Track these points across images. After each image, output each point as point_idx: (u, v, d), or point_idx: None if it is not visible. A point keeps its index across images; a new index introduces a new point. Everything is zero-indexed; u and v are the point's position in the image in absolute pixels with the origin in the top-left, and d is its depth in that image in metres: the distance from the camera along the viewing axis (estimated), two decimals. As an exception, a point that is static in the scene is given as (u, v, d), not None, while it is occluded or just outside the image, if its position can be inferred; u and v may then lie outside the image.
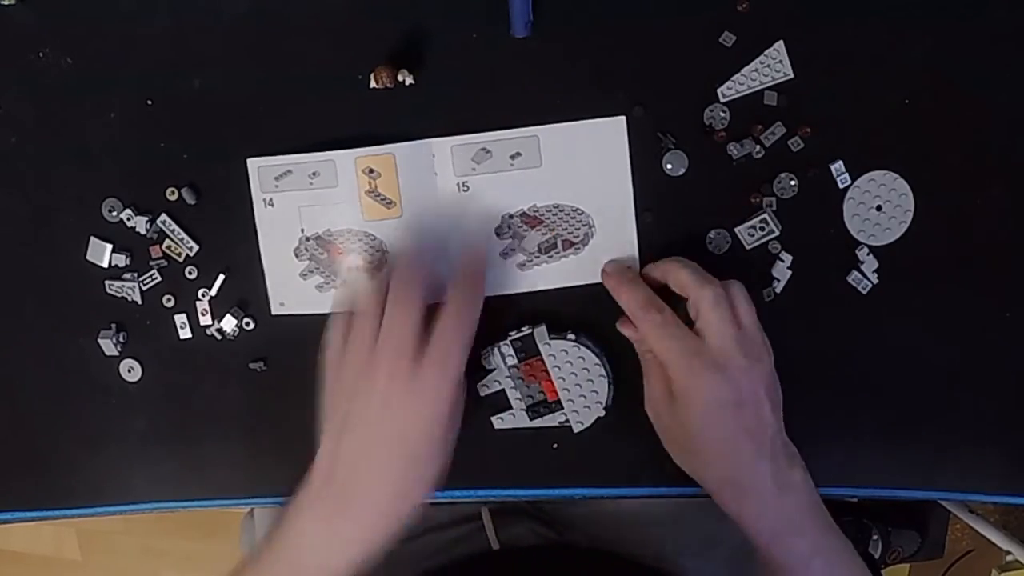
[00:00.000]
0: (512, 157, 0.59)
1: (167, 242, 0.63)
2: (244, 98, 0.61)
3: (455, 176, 0.59)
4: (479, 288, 0.56)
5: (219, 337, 0.63)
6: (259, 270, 0.62)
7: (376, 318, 0.54)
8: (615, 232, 0.60)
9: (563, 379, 0.60)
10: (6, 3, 0.61)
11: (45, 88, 0.62)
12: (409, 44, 0.59)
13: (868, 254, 0.59)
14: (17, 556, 1.83)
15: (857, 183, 0.58)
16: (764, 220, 0.58)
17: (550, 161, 0.59)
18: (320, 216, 0.60)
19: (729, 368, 0.51)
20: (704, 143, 0.58)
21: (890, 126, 0.58)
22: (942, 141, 0.58)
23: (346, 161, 0.59)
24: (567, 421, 0.61)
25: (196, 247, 0.63)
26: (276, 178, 0.60)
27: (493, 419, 0.62)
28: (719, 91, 0.58)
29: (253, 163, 0.61)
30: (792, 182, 0.58)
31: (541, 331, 0.59)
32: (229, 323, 0.63)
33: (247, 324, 0.63)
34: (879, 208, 0.58)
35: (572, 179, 0.59)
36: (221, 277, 0.63)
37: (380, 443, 0.53)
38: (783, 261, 0.59)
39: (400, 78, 0.58)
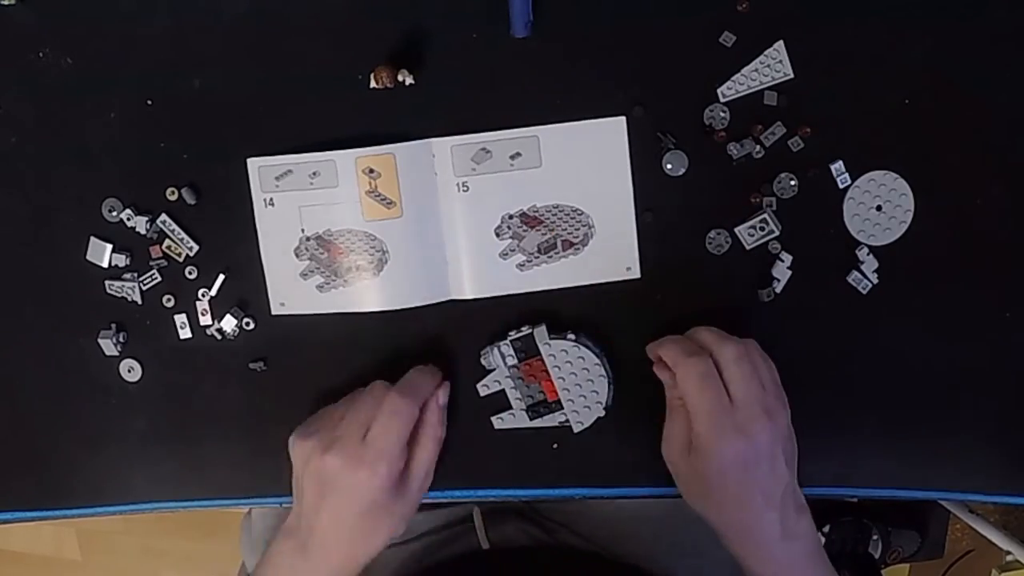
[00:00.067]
0: (512, 157, 0.59)
1: (167, 242, 0.63)
2: (244, 98, 0.61)
3: (455, 176, 0.59)
4: (424, 384, 0.59)
5: (219, 337, 0.63)
6: (259, 270, 0.62)
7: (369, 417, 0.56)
8: (615, 232, 0.60)
9: (563, 379, 0.60)
10: (6, 3, 0.61)
11: (45, 88, 0.62)
12: (409, 44, 0.59)
13: (868, 254, 0.59)
14: (17, 556, 1.83)
15: (857, 183, 0.58)
16: (764, 220, 0.58)
17: (550, 161, 0.59)
18: (320, 216, 0.60)
19: (751, 430, 0.52)
20: (704, 143, 0.58)
21: (890, 126, 0.58)
22: (942, 141, 0.58)
23: (346, 161, 0.59)
24: (567, 421, 0.61)
25: (196, 247, 0.63)
26: (276, 178, 0.60)
27: (493, 419, 0.62)
28: (719, 91, 0.58)
29: (253, 163, 0.61)
30: (792, 182, 0.58)
31: (541, 331, 0.59)
32: (229, 323, 0.63)
33: (247, 324, 0.63)
34: (879, 208, 0.58)
35: (572, 179, 0.59)
36: (221, 277, 0.63)
37: (322, 515, 0.55)
38: (783, 261, 0.59)
39: (400, 78, 0.58)
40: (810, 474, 0.57)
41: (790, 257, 0.59)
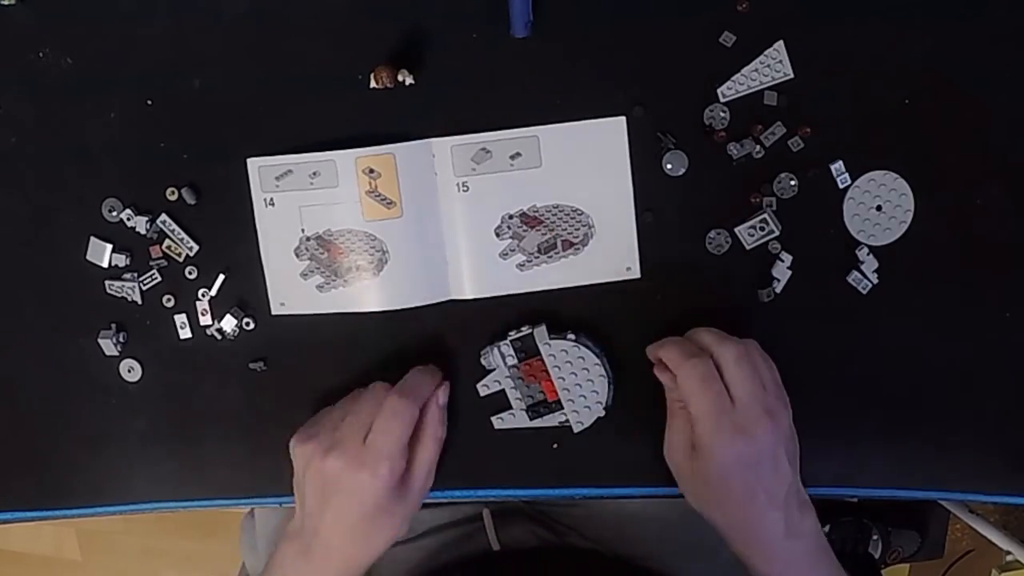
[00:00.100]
0: (512, 157, 0.59)
1: (167, 242, 0.63)
2: (244, 98, 0.61)
3: (455, 176, 0.59)
4: (424, 384, 0.59)
5: (219, 337, 0.63)
6: (259, 270, 0.62)
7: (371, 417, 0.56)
8: (615, 232, 0.60)
9: (563, 379, 0.60)
10: (6, 3, 0.61)
11: (45, 88, 0.62)
12: (409, 44, 0.59)
13: (868, 254, 0.59)
14: (17, 556, 1.83)
15: (857, 183, 0.58)
16: (764, 220, 0.58)
17: (550, 161, 0.59)
18: (321, 216, 0.60)
19: (753, 430, 0.52)
20: (704, 143, 0.58)
21: (890, 126, 0.58)
22: (942, 141, 0.58)
23: (346, 161, 0.59)
24: (567, 421, 0.61)
25: (196, 247, 0.63)
26: (277, 178, 0.60)
27: (493, 419, 0.62)
28: (719, 91, 0.58)
29: (253, 163, 0.61)
30: (792, 182, 0.58)
31: (541, 331, 0.59)
32: (229, 323, 0.63)
33: (247, 324, 0.63)
34: (879, 208, 0.58)
35: (572, 179, 0.59)
36: (221, 277, 0.63)
37: (326, 517, 0.55)
38: (783, 261, 0.59)
39: (400, 78, 0.58)
40: (810, 474, 0.57)
41: (790, 257, 0.59)
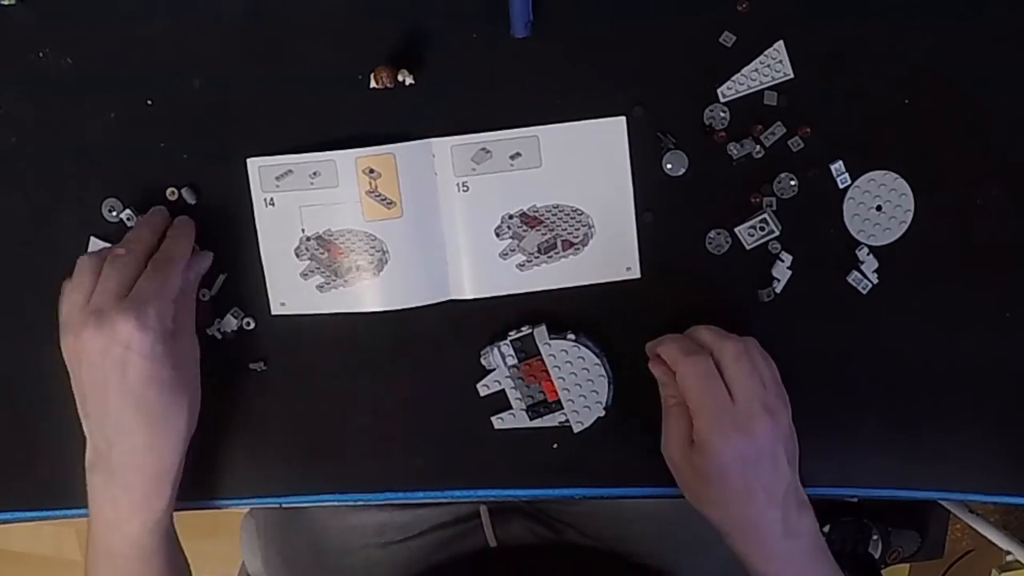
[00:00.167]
0: (512, 157, 0.59)
1: (167, 242, 0.63)
2: (244, 98, 0.61)
3: (455, 176, 0.59)
4: (181, 244, 0.58)
5: (219, 337, 0.63)
6: (259, 270, 0.62)
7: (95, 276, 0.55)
8: (615, 232, 0.60)
9: (563, 379, 0.60)
10: (6, 3, 0.61)
11: (45, 88, 0.62)
12: (409, 44, 0.59)
13: (868, 254, 0.59)
14: (17, 556, 1.83)
15: (857, 183, 0.58)
16: (764, 220, 0.58)
17: (550, 161, 0.59)
18: (321, 216, 0.60)
19: (752, 428, 0.52)
20: (704, 143, 0.58)
21: (890, 126, 0.58)
22: (942, 141, 0.58)
23: (346, 161, 0.59)
24: (567, 421, 0.61)
25: (196, 247, 0.63)
26: (277, 178, 0.60)
27: (493, 419, 0.62)
28: (719, 91, 0.58)
29: (253, 163, 0.61)
30: (792, 182, 0.58)
31: (541, 331, 0.59)
32: (229, 323, 0.63)
33: (247, 324, 0.63)
34: (879, 208, 0.58)
35: (572, 179, 0.59)
36: (221, 277, 0.63)
37: (110, 404, 0.54)
38: (783, 261, 0.59)
39: (400, 78, 0.58)
40: (810, 473, 0.57)
41: (790, 257, 0.59)
